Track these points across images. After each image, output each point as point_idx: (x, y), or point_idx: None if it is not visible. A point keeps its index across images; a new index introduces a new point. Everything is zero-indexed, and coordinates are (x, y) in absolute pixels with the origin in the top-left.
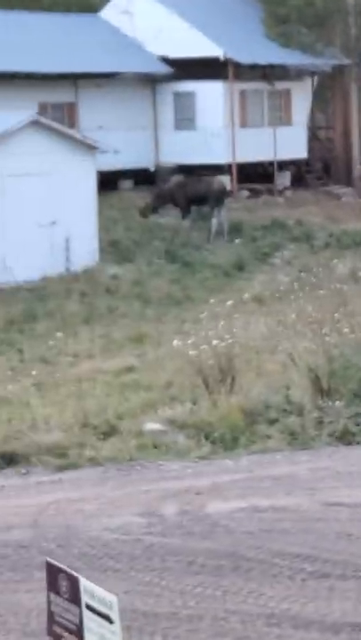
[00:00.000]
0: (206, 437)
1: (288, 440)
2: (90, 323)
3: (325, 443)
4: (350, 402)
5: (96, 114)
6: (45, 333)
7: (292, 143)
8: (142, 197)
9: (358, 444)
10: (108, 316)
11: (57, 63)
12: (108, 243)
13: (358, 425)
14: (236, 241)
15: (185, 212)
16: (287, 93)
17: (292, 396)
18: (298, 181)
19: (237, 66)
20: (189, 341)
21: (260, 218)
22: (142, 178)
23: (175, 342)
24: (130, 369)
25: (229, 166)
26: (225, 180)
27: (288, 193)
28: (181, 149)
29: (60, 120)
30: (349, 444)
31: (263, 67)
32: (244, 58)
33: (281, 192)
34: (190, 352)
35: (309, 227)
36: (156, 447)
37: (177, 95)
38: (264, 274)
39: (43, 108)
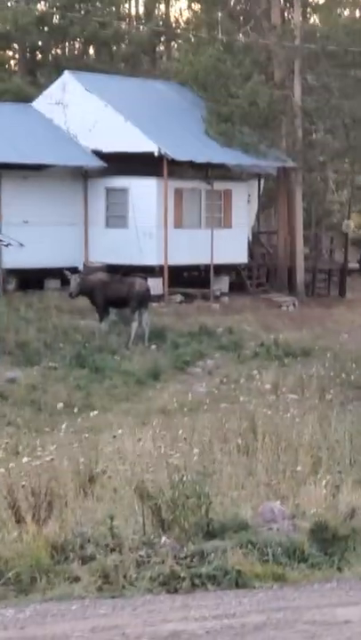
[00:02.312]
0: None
1: (99, 584)
2: None
3: (144, 589)
4: (190, 538)
5: (21, 207)
6: None
7: (231, 247)
8: (67, 298)
9: (186, 592)
10: None
11: None
12: (15, 344)
13: (190, 567)
14: (152, 347)
15: (103, 314)
16: (228, 194)
17: (118, 529)
18: (238, 287)
19: (173, 163)
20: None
21: (189, 324)
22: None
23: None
24: None
25: (161, 268)
26: (156, 283)
27: (225, 299)
28: (112, 248)
29: None
30: (175, 591)
31: (203, 165)
32: (181, 155)
33: (218, 298)
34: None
35: (240, 335)
36: None
37: (109, 191)
38: (181, 384)
39: None
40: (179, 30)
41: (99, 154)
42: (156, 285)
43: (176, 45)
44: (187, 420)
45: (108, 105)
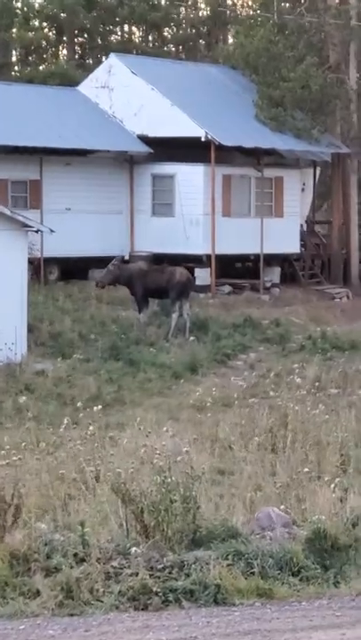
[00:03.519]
0: None
1: (60, 599)
2: None
3: (110, 605)
4: (173, 547)
5: (64, 194)
6: None
7: (282, 236)
8: (111, 288)
9: (157, 609)
10: (12, 419)
11: (22, 136)
12: (49, 335)
13: (166, 581)
14: (192, 339)
15: (142, 304)
16: (279, 182)
17: (91, 537)
18: (290, 278)
19: (221, 148)
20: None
21: (235, 316)
22: None
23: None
24: None
25: (209, 258)
26: (204, 273)
27: (276, 290)
28: (158, 237)
29: (21, 199)
30: (144, 608)
31: (253, 151)
32: (229, 140)
33: (268, 289)
34: None
35: (287, 327)
36: None
37: (155, 177)
38: (219, 377)
39: (1, 185)
40: (234, 13)
41: (145, 139)
42: (203, 276)
43: (231, 28)
44: (218, 416)
45: (155, 88)
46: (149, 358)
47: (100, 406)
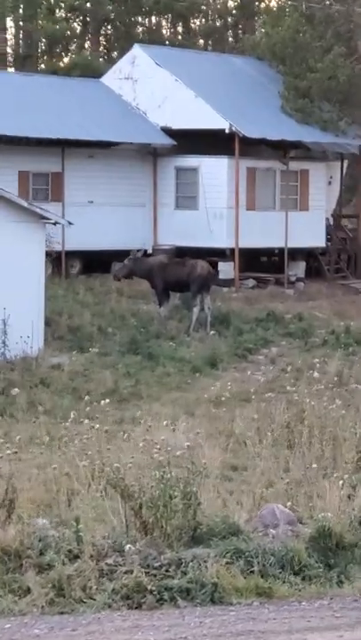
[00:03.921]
0: None
1: (51, 597)
2: (2, 417)
3: (103, 603)
4: (171, 544)
5: (86, 187)
6: None
7: (307, 230)
8: (133, 282)
9: (151, 608)
10: (25, 413)
11: (44, 128)
12: (68, 329)
13: (163, 579)
14: (212, 333)
15: (162, 298)
16: (305, 175)
17: (85, 533)
18: (315, 273)
19: (246, 141)
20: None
21: (258, 310)
22: None
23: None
24: None
25: (232, 251)
26: (227, 267)
27: (300, 285)
28: (181, 230)
29: (42, 191)
30: (138, 606)
31: (279, 144)
32: (254, 132)
33: (292, 283)
34: None
35: (311, 322)
36: None
37: (179, 170)
38: (239, 372)
39: (23, 178)
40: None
41: (168, 131)
42: (227, 269)
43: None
44: (235, 411)
45: (179, 80)
46: (169, 352)
47: (107, 400)
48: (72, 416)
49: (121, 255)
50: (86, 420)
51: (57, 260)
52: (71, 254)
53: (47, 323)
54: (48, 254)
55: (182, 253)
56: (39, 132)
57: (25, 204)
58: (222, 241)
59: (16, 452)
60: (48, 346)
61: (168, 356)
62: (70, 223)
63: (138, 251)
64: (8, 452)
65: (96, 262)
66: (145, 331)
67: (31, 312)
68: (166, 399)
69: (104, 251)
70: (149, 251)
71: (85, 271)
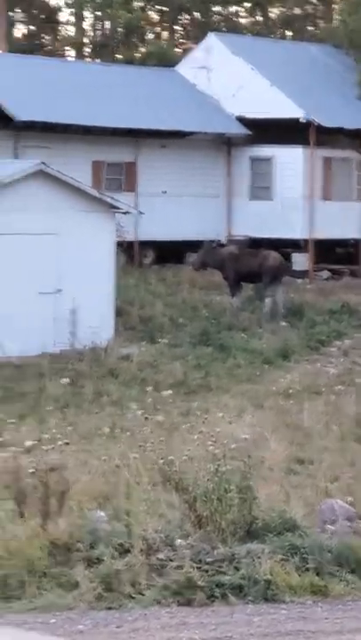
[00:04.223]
0: None
1: (99, 591)
2: (68, 409)
3: (152, 599)
4: (226, 539)
5: (160, 177)
6: (1, 418)
7: None
8: (206, 273)
9: (201, 604)
10: (93, 404)
11: (118, 118)
12: (139, 319)
13: (215, 575)
14: (283, 324)
15: (234, 289)
16: None
17: (135, 527)
18: None
19: (322, 130)
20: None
21: (332, 302)
22: None
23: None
24: None
25: (307, 242)
26: (302, 258)
27: None
28: (256, 221)
29: (115, 181)
30: (188, 603)
31: (355, 133)
32: (330, 121)
33: None
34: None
35: None
36: None
37: (253, 160)
38: (311, 364)
39: (97, 168)
40: None
41: (243, 121)
42: (301, 261)
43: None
44: (304, 404)
45: (254, 68)
46: (240, 344)
47: (170, 391)
48: (134, 407)
49: (194, 246)
50: (151, 412)
51: (130, 251)
52: (144, 244)
53: (118, 313)
54: (119, 244)
55: (256, 244)
56: (113, 121)
57: (95, 193)
58: (297, 232)
59: (67, 444)
60: (118, 336)
61: (239, 347)
62: (141, 213)
63: (212, 242)
64: (60, 442)
65: (169, 253)
66: (217, 322)
67: (101, 302)
68: (236, 391)
69: (177, 241)
70: (223, 242)
71: (159, 261)
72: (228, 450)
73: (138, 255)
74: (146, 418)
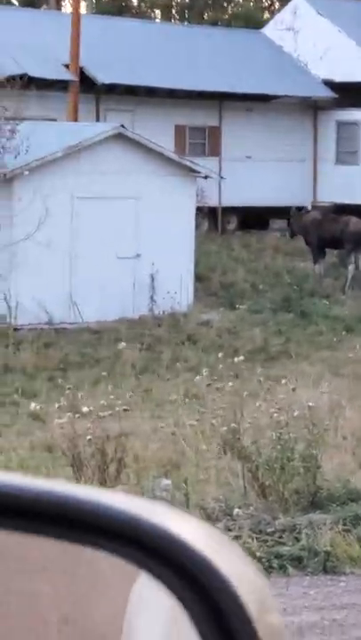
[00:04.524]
0: None
1: None
2: (144, 374)
3: None
4: (288, 509)
5: (244, 141)
6: (76, 383)
7: None
8: (288, 239)
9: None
10: (168, 370)
11: (202, 81)
12: (220, 285)
13: (274, 546)
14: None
15: (317, 255)
16: None
17: (193, 495)
18: None
19: None
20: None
21: None
22: None
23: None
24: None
25: None
26: None
27: None
28: (342, 186)
29: (199, 146)
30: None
31: None
32: None
33: None
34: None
35: None
36: None
37: (340, 124)
38: None
39: (180, 132)
40: None
41: (330, 84)
42: None
43: None
44: None
45: (342, 30)
46: (322, 310)
47: (242, 357)
48: (204, 373)
49: (279, 212)
50: (224, 379)
51: (213, 216)
52: (228, 210)
53: (199, 279)
54: (199, 210)
55: (341, 210)
56: (197, 84)
57: (175, 157)
58: None
59: (126, 410)
60: (198, 302)
61: (321, 314)
62: (222, 177)
63: (299, 208)
64: (117, 408)
65: (254, 219)
66: (299, 288)
67: (180, 268)
68: (315, 358)
69: (262, 207)
70: (308, 207)
71: (242, 227)
72: (294, 417)
73: (221, 221)
74: (209, 385)
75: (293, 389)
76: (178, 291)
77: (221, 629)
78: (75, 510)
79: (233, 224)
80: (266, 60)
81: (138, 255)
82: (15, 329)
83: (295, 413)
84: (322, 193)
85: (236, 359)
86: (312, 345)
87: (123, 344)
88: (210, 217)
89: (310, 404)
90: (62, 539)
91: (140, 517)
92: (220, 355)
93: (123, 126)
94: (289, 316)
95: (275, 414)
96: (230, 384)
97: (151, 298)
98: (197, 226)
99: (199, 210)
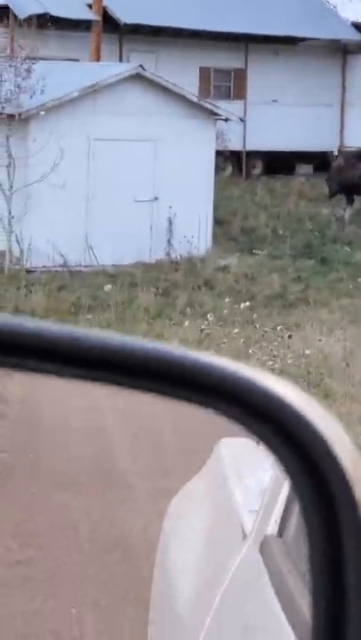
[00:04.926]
0: None
1: None
2: (157, 320)
3: None
4: None
5: (270, 85)
6: (85, 328)
7: None
8: (314, 185)
9: None
10: (182, 315)
11: (227, 22)
12: (241, 230)
13: None
14: None
15: (346, 201)
16: None
17: None
18: None
19: None
20: None
21: None
22: (323, 163)
23: None
24: None
25: None
26: None
27: None
28: None
29: (224, 88)
30: None
31: None
32: None
33: None
34: None
35: None
36: None
37: None
38: None
39: (204, 74)
40: None
41: (359, 27)
42: None
43: None
44: None
45: None
46: (344, 257)
47: (248, 303)
48: (210, 318)
49: (305, 157)
50: (230, 325)
51: (238, 160)
52: (253, 154)
53: (219, 223)
54: (219, 153)
55: None
56: (223, 25)
57: (194, 98)
58: None
59: None
60: (217, 247)
61: (343, 260)
62: (242, 120)
63: (327, 153)
64: None
65: (279, 164)
66: (321, 234)
67: (199, 212)
68: (335, 305)
69: (287, 152)
70: (335, 153)
71: (268, 172)
72: (297, 364)
73: (245, 166)
74: (202, 331)
75: (290, 336)
76: (196, 235)
77: (319, 490)
78: (179, 367)
79: (258, 168)
80: (294, 1)
81: (156, 198)
82: (28, 271)
83: (289, 360)
84: (349, 138)
85: (242, 305)
86: (332, 292)
87: (108, 287)
88: (234, 161)
89: (307, 352)
90: (172, 396)
91: (242, 374)
92: (226, 299)
93: (142, 67)
94: (309, 263)
95: (269, 362)
96: (236, 330)
97: (168, 242)
98: (221, 170)
99: (219, 153)
